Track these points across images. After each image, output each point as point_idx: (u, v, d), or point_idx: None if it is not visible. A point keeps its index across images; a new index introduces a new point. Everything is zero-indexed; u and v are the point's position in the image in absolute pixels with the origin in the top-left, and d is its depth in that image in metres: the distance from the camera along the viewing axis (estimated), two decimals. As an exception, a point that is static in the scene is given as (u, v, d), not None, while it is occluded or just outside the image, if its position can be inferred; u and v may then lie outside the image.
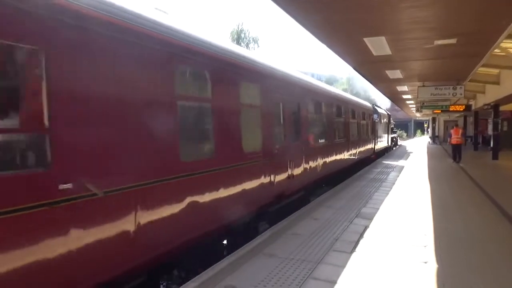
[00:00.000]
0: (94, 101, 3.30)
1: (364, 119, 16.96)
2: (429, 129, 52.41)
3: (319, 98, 10.28)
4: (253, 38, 43.13)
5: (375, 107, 21.33)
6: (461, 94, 13.72)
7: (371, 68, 11.53)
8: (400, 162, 18.49)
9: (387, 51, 8.66)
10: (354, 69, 11.84)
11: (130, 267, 3.70)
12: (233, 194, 5.56)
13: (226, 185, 5.38)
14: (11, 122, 2.73)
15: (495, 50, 10.48)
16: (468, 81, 15.05)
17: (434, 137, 39.74)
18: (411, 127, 75.41)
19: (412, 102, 25.00)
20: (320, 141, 10.26)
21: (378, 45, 8.11)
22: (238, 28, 42.14)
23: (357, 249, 5.28)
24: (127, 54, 3.67)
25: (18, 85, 2.81)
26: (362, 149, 16.24)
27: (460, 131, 18.68)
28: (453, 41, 7.87)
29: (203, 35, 5.14)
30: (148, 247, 3.90)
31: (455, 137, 18.20)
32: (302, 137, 8.62)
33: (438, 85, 13.93)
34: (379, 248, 5.35)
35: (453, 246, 5.44)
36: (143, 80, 3.87)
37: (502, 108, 22.42)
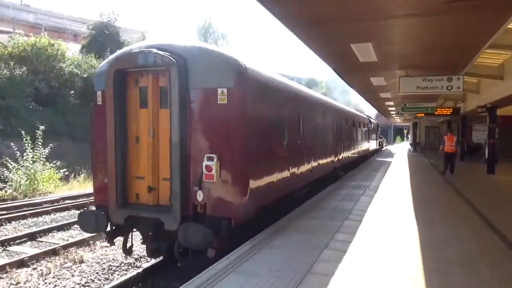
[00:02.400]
0: (313, 127, 9.61)
1: (364, 127, 21.57)
2: (409, 136, 48.98)
3: (347, 116, 15.49)
4: (221, 34, 38.77)
5: (369, 117, 26.35)
6: (458, 88, 9.48)
7: (327, 38, 7.17)
8: (381, 172, 14.36)
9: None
10: (304, 43, 7.44)
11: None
12: (321, 163, 10.65)
13: (320, 158, 10.66)
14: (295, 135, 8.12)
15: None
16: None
17: (415, 144, 35.92)
18: (391, 133, 72.21)
19: (391, 103, 20.91)
20: (347, 142, 15.23)
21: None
22: (205, 23, 37.69)
23: None
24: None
25: (299, 122, 8.23)
26: (363, 148, 21.44)
27: (454, 138, 15.02)
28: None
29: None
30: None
31: (449, 145, 14.69)
32: (342, 139, 14.15)
33: (427, 75, 9.70)
34: None
35: None
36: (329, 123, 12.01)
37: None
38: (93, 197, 6.62)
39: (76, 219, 6.71)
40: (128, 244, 6.35)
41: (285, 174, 7.27)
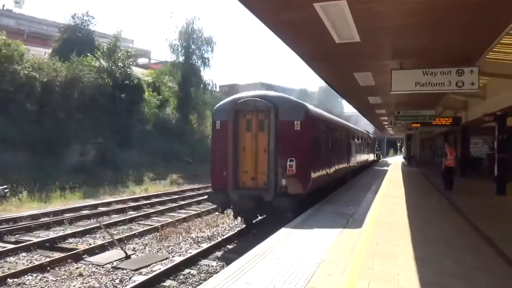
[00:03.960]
0: (336, 143, 13.17)
1: (364, 141, 24.25)
2: (403, 149, 46.66)
3: (353, 133, 18.74)
4: (206, 40, 36.28)
5: (368, 132, 29.36)
6: (472, 84, 6.88)
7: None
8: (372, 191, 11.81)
9: None
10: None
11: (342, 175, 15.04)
12: (343, 167, 15.02)
13: (339, 164, 14.00)
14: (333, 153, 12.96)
15: None
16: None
17: (409, 158, 33.34)
18: (384, 146, 69.80)
19: (383, 112, 18.38)
20: (353, 153, 18.34)
21: None
22: (187, 26, 35.19)
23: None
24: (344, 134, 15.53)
25: (329, 139, 12.13)
26: (365, 159, 24.88)
27: (454, 152, 14.25)
28: None
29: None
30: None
31: (450, 159, 13.67)
32: (351, 152, 17.29)
33: (429, 66, 7.12)
34: None
35: None
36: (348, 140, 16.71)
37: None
38: (211, 184, 10.24)
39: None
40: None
41: (324, 172, 11.02)
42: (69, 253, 8.45)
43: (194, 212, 13.65)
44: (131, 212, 13.83)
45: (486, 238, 6.63)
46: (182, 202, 16.05)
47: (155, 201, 16.31)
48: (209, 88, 36.93)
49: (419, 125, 17.27)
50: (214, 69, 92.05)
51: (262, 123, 9.19)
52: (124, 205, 14.91)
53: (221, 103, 10.17)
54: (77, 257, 8.32)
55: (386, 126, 28.69)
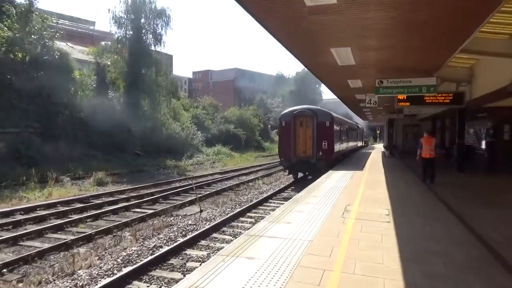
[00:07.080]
0: (342, 132, 23.02)
1: (355, 131, 33.11)
2: (384, 136, 42.29)
3: (349, 125, 27.47)
4: (158, 12, 30.39)
5: (357, 124, 38.21)
6: None
7: None
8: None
9: None
10: None
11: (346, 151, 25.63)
12: (346, 147, 25.49)
13: (345, 145, 24.77)
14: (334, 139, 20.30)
15: None
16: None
17: (391, 147, 28.68)
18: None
19: (359, 85, 13.36)
20: (350, 139, 27.16)
21: None
22: (135, -5, 29.12)
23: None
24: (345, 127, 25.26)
25: (340, 129, 21.94)
26: (356, 144, 34.77)
27: (434, 140, 11.80)
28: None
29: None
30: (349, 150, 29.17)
31: (428, 149, 11.61)
32: (348, 138, 25.99)
33: None
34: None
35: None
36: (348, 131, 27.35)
37: (502, 103, 11.54)
38: (279, 155, 18.79)
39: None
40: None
41: (340, 149, 20.25)
42: None
43: (72, 238, 8.51)
44: (-31, 241, 8.55)
45: None
46: (75, 217, 10.81)
47: (37, 215, 11.08)
48: (165, 69, 31.23)
49: (408, 103, 12.34)
50: (186, 54, 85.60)
51: (308, 123, 17.41)
52: (-26, 226, 9.59)
53: (285, 111, 18.80)
54: None
55: (364, 108, 23.89)
